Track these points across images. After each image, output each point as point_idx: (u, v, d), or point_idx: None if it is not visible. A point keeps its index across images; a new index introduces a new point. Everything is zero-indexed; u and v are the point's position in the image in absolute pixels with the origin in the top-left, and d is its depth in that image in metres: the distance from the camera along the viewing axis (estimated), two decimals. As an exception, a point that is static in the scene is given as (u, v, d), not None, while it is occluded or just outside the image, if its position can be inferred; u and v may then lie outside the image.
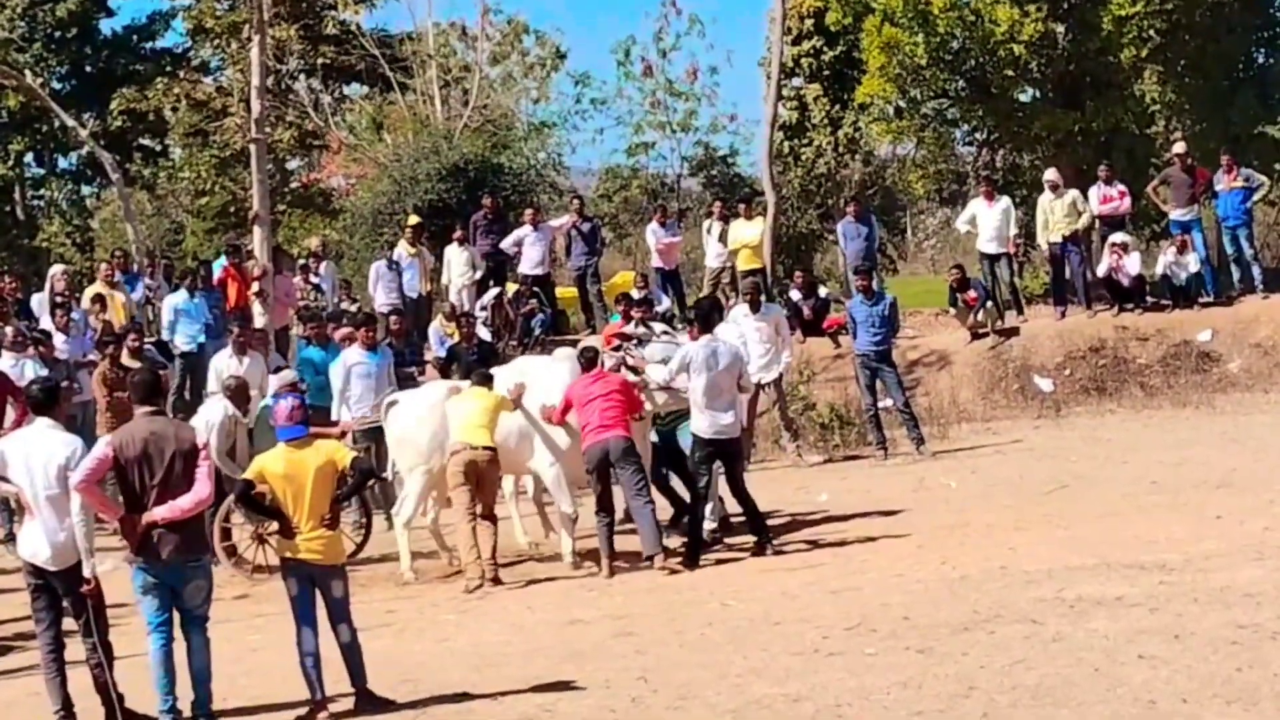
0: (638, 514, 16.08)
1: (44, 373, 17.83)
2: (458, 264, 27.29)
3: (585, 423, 16.06)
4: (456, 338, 22.87)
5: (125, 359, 20.25)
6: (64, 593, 11.30)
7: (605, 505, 16.11)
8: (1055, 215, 26.21)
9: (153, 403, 11.33)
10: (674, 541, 16.56)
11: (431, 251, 27.72)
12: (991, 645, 11.36)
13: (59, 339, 21.33)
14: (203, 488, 10.97)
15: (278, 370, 20.45)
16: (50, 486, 11.18)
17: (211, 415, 17.35)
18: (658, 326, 18.62)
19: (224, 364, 20.24)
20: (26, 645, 13.92)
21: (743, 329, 19.93)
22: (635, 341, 17.25)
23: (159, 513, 10.84)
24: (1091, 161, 28.88)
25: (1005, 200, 27.02)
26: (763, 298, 21.90)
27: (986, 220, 26.47)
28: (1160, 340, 25.48)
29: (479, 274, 27.41)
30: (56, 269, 25.21)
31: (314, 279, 26.51)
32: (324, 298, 26.10)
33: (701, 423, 16.20)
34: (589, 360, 16.52)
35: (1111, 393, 24.86)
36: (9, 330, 20.33)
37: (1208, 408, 23.47)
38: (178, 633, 11.12)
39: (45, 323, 22.10)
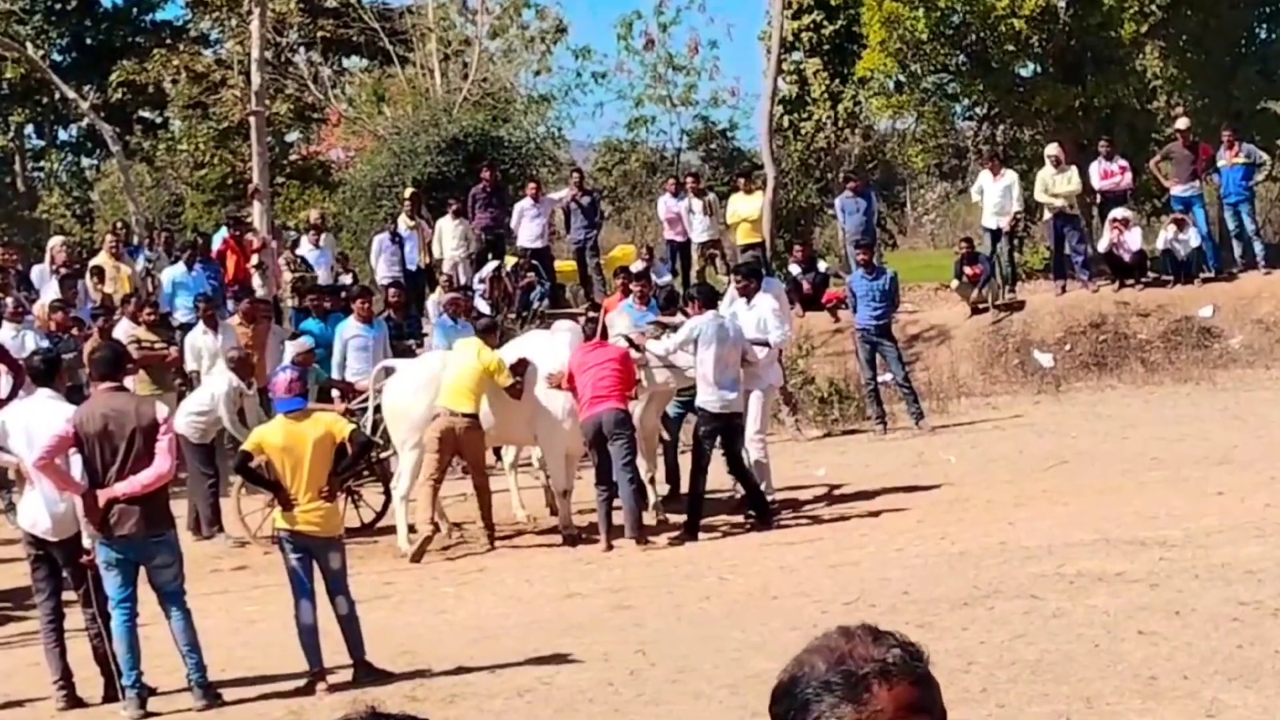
0: (622, 490, 16.04)
1: (44, 344, 17.82)
2: (450, 237, 27.21)
3: (581, 394, 16.03)
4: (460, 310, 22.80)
5: (143, 332, 20.31)
6: (63, 563, 11.31)
7: (604, 478, 16.10)
8: (1055, 190, 26.20)
9: (113, 379, 11.26)
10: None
11: (430, 224, 27.66)
12: (991, 621, 11.35)
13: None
14: (163, 463, 10.87)
15: (294, 338, 20.45)
16: (50, 458, 11.16)
17: (216, 387, 17.45)
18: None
19: (198, 340, 20.27)
20: (26, 615, 13.93)
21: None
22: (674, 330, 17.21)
23: (119, 489, 10.76)
24: (1092, 137, 28.83)
25: (1011, 174, 26.95)
26: (761, 271, 21.86)
27: (990, 193, 26.46)
28: (1161, 316, 25.46)
29: (473, 247, 27.34)
30: (55, 241, 25.12)
31: (303, 251, 26.30)
32: (311, 272, 25.81)
33: (708, 397, 16.18)
34: (592, 331, 16.47)
35: (1112, 368, 24.84)
36: (9, 301, 20.31)
37: (1209, 384, 23.44)
38: (157, 609, 11.13)
39: (46, 294, 22.02)
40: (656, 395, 16.95)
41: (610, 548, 15.79)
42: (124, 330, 20.44)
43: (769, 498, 16.82)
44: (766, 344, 17.02)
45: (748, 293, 17.56)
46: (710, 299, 16.85)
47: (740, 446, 16.64)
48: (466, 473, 17.65)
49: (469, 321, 21.43)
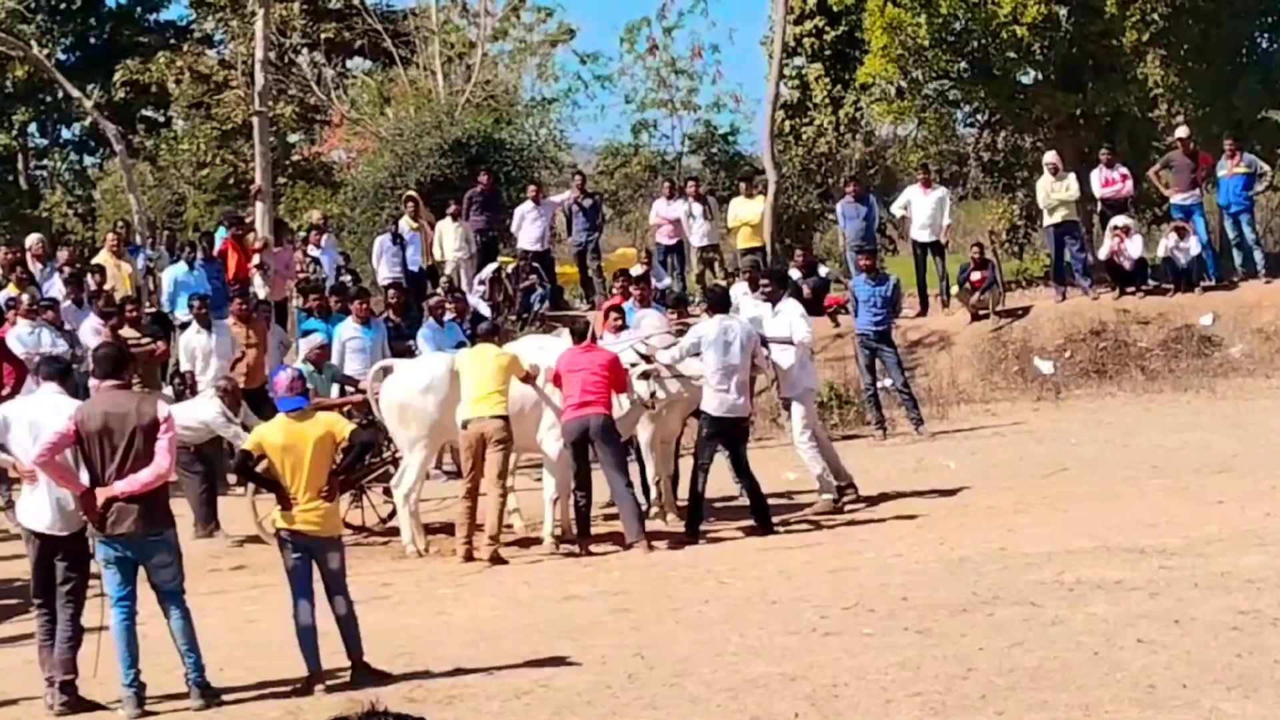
0: (618, 497, 16.00)
1: (59, 340, 17.98)
2: (451, 239, 27.19)
3: (567, 395, 15.97)
4: (454, 313, 22.79)
5: (125, 330, 20.27)
6: (63, 558, 11.24)
7: (582, 482, 16.04)
8: (1054, 198, 26.26)
9: (116, 377, 11.24)
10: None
11: (432, 226, 27.65)
12: (990, 627, 11.34)
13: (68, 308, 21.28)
14: (162, 461, 10.87)
15: (306, 334, 20.41)
16: (57, 453, 11.14)
17: (204, 414, 17.21)
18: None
19: (193, 340, 20.24)
20: (11, 609, 13.97)
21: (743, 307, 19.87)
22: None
23: (118, 487, 10.75)
24: (1093, 144, 28.85)
25: (942, 190, 27.59)
26: (788, 277, 21.79)
27: (921, 207, 26.68)
28: (1161, 324, 25.46)
29: (474, 249, 27.34)
30: (31, 238, 25.08)
31: (313, 252, 26.40)
32: (322, 270, 25.95)
33: (712, 401, 16.15)
34: (580, 333, 16.41)
35: (1112, 376, 24.83)
36: (25, 298, 20.35)
37: (1209, 392, 23.43)
38: (156, 608, 11.12)
39: (52, 292, 22.03)
40: (675, 404, 16.89)
41: (586, 553, 15.78)
42: (91, 326, 20.40)
43: (844, 482, 17.35)
44: (790, 341, 17.03)
45: (773, 299, 17.53)
46: (718, 303, 16.83)
47: (744, 449, 16.59)
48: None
49: (462, 323, 21.48)
